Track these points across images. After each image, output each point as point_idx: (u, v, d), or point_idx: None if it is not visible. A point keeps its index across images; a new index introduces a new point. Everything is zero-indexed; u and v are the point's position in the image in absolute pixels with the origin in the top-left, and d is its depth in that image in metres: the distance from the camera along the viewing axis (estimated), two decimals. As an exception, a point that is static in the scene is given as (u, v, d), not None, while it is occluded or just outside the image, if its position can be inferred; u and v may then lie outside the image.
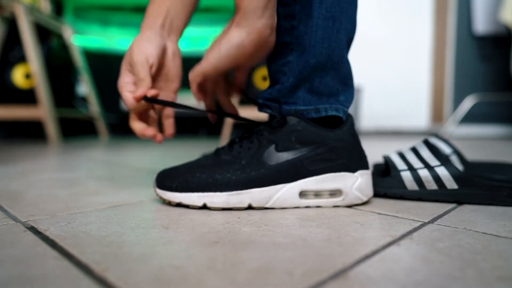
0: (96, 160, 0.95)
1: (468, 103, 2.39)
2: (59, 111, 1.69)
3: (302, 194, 0.42)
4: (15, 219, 0.38)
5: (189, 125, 2.39)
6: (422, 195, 0.46)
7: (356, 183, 0.44)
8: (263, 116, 0.55)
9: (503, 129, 2.38)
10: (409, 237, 0.32)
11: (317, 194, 0.43)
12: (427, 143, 0.51)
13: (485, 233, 0.33)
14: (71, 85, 2.05)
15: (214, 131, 2.33)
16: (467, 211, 0.41)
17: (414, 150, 0.51)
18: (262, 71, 1.73)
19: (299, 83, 0.43)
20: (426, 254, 0.28)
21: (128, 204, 0.45)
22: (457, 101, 2.44)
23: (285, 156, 0.42)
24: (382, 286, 0.22)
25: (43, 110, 1.54)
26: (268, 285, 0.23)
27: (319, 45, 0.42)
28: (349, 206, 0.44)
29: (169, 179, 0.43)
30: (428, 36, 2.48)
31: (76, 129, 2.10)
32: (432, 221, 0.37)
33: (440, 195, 0.46)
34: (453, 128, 2.39)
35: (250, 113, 2.00)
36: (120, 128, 2.38)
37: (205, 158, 0.45)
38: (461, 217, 0.39)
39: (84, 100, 2.13)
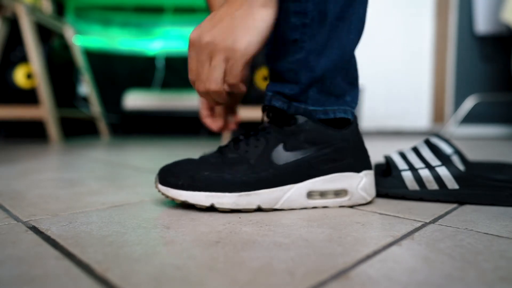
0: (97, 160, 0.95)
1: (469, 103, 2.39)
2: (61, 111, 1.69)
3: (309, 194, 0.42)
4: (16, 218, 0.38)
5: (190, 125, 2.39)
6: (423, 195, 0.46)
7: (361, 183, 0.44)
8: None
9: (504, 129, 2.37)
10: (410, 237, 0.32)
11: (323, 194, 0.42)
12: (428, 143, 0.51)
13: (487, 234, 0.33)
14: (72, 85, 2.05)
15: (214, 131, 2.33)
16: (469, 211, 0.41)
17: (415, 150, 0.51)
18: (263, 71, 1.73)
19: (311, 83, 0.42)
20: (427, 254, 0.28)
21: (129, 204, 0.45)
22: (458, 101, 2.44)
23: (294, 155, 0.41)
24: (383, 286, 0.22)
25: (45, 110, 1.55)
26: (269, 285, 0.23)
27: (331, 46, 0.42)
28: (351, 206, 0.43)
29: (174, 176, 0.41)
30: (429, 36, 2.47)
31: (77, 129, 2.10)
32: (434, 221, 0.37)
33: (441, 195, 0.46)
34: (454, 128, 2.39)
35: (249, 113, 2.00)
36: (121, 128, 2.39)
37: (209, 155, 0.44)
38: (462, 217, 0.39)
39: (85, 100, 2.13)
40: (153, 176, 0.68)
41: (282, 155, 0.41)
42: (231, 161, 0.41)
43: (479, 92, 2.39)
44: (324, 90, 0.43)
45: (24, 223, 0.36)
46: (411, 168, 0.48)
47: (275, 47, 0.44)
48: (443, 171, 0.46)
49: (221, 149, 0.44)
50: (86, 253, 0.28)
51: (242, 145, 0.43)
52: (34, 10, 1.61)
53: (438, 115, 2.49)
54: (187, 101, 2.28)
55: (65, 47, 1.99)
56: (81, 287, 0.22)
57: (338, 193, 0.43)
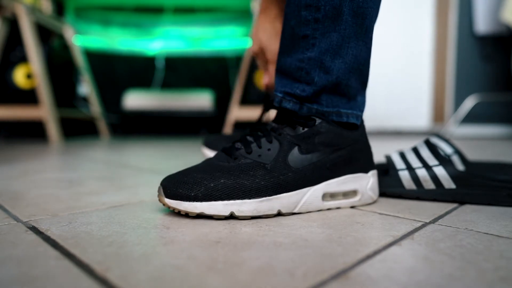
0: (97, 160, 0.95)
1: (469, 103, 2.39)
2: (60, 111, 1.69)
3: (323, 196, 0.42)
4: (16, 219, 0.38)
5: (190, 125, 2.39)
6: (419, 194, 0.47)
7: (370, 183, 0.44)
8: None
9: (504, 129, 2.37)
10: (410, 237, 0.32)
11: (333, 195, 0.42)
12: (428, 143, 0.51)
13: (487, 233, 0.33)
14: (72, 85, 2.05)
15: (215, 130, 2.33)
16: (469, 211, 0.41)
17: (415, 150, 0.51)
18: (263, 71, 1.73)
19: (326, 86, 0.41)
20: (427, 254, 0.28)
21: (129, 204, 0.45)
22: (458, 101, 2.44)
23: (310, 158, 0.40)
24: (383, 286, 0.22)
25: (44, 110, 1.55)
26: (269, 285, 0.23)
27: (347, 45, 0.40)
28: (352, 207, 0.43)
29: (186, 187, 0.37)
30: (429, 36, 2.47)
31: (77, 129, 2.10)
32: (433, 221, 0.37)
33: (438, 194, 0.46)
34: (454, 128, 2.39)
35: (249, 113, 1.99)
36: (121, 128, 2.39)
37: (216, 159, 0.41)
38: (462, 217, 0.39)
39: (85, 100, 2.13)
40: (153, 176, 0.68)
41: (298, 159, 0.40)
42: (245, 167, 0.39)
43: (479, 92, 2.39)
44: (338, 91, 0.42)
45: (24, 223, 0.36)
46: (409, 167, 0.48)
47: (283, 42, 0.42)
48: (440, 171, 0.46)
49: (229, 152, 0.41)
50: (86, 253, 0.28)
51: (254, 148, 0.40)
52: (34, 10, 1.61)
53: (438, 115, 2.49)
54: (187, 101, 2.28)
55: (65, 47, 1.99)
56: (81, 287, 0.22)
57: (347, 194, 0.43)
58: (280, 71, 0.43)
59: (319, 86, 0.41)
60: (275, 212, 0.38)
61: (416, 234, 0.33)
